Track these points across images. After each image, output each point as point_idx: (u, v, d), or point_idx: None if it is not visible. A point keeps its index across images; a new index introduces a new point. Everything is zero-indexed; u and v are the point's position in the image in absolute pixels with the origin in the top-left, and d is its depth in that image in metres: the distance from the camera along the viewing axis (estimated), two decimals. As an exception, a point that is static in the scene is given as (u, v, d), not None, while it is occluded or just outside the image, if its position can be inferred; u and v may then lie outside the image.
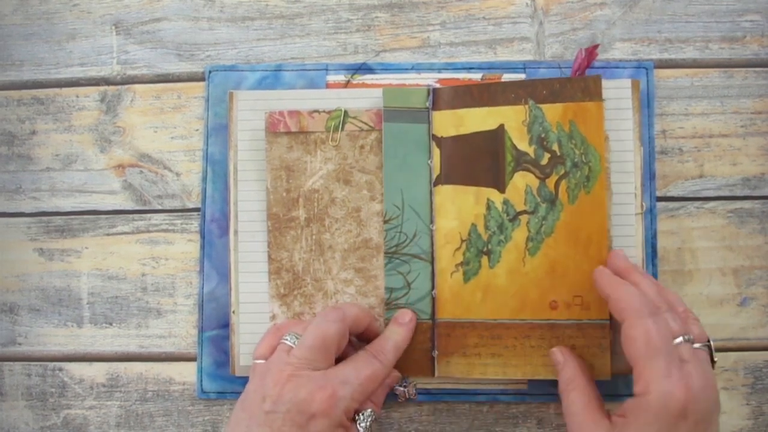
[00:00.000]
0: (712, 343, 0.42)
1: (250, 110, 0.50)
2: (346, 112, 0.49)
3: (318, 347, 0.43)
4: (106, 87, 0.53)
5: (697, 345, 0.40)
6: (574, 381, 0.43)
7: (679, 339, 0.39)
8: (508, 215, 0.47)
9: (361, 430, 0.43)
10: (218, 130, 0.51)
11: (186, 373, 0.51)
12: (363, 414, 0.43)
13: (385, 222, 0.48)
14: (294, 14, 0.53)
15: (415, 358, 0.48)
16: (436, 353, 0.48)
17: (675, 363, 0.38)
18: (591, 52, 0.48)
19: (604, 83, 0.48)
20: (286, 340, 0.44)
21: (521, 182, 0.47)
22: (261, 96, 0.50)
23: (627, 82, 0.48)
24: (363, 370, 0.43)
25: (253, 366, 0.45)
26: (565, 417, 0.42)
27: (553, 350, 0.46)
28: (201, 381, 0.50)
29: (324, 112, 0.49)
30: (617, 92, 0.48)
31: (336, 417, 0.41)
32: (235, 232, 0.49)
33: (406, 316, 0.47)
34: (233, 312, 0.49)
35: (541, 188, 0.47)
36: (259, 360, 0.45)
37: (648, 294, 0.41)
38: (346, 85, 0.51)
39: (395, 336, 0.46)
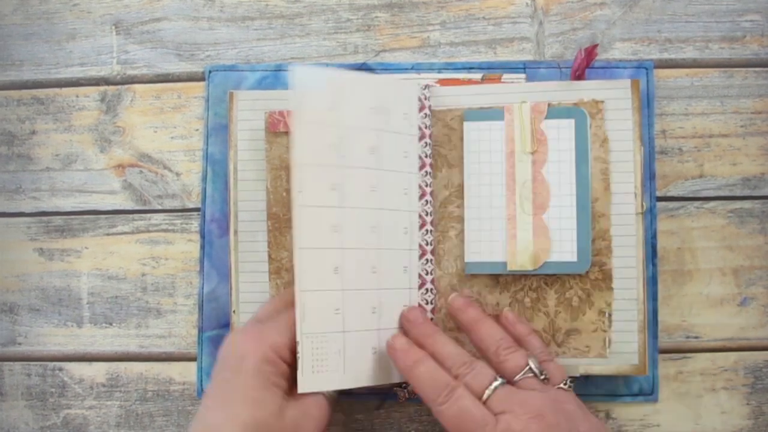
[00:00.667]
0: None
1: (250, 110, 0.50)
2: None
3: (262, 311, 0.45)
4: (106, 87, 0.53)
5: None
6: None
7: (492, 386, 0.40)
8: None
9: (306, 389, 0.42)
10: (218, 130, 0.51)
11: (186, 373, 0.51)
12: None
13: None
14: (294, 14, 0.53)
15: None
16: None
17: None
18: (590, 52, 0.48)
19: (604, 83, 0.48)
20: None
21: None
22: (261, 96, 0.50)
23: (626, 83, 0.48)
24: (292, 313, 0.42)
25: None
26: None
27: (394, 336, 0.44)
28: (201, 381, 0.50)
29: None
30: (616, 92, 0.48)
31: (262, 352, 0.40)
32: (235, 232, 0.49)
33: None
34: (234, 312, 0.49)
35: None
36: None
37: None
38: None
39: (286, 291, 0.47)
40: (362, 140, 0.45)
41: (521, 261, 0.47)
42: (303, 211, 0.43)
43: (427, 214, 0.48)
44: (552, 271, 0.47)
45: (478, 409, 0.38)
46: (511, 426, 0.37)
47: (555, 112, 0.48)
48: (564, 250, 0.47)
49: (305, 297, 0.42)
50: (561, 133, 0.47)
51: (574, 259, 0.46)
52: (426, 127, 0.49)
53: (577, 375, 0.47)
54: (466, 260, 0.47)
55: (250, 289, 0.49)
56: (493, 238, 0.47)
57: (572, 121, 0.47)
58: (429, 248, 0.48)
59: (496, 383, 0.39)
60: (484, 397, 0.39)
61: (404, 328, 0.45)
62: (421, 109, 0.48)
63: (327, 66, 0.51)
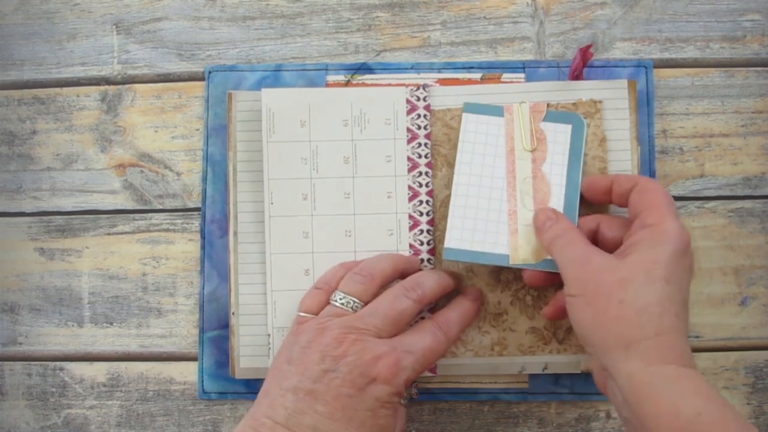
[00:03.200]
0: None
1: (249, 111, 0.50)
2: None
3: (391, 320, 0.42)
4: (106, 86, 0.53)
5: None
6: (573, 228, 0.43)
7: None
8: None
9: (402, 403, 0.43)
10: (218, 131, 0.51)
11: (187, 373, 0.51)
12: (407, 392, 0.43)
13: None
14: (295, 14, 0.53)
15: None
16: None
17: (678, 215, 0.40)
18: (585, 52, 0.48)
19: (601, 83, 0.49)
20: (337, 301, 0.43)
21: None
22: (260, 96, 0.50)
23: (623, 83, 0.49)
24: (427, 341, 0.43)
25: (298, 318, 0.44)
26: (559, 261, 0.42)
27: (542, 208, 0.46)
28: (202, 382, 0.50)
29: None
30: (614, 92, 0.49)
31: (396, 385, 0.40)
32: (235, 233, 0.49)
33: (474, 293, 0.47)
34: (233, 313, 0.49)
35: None
36: (305, 314, 0.44)
37: None
38: (346, 85, 0.51)
39: (463, 309, 0.46)
40: (335, 151, 0.49)
41: (523, 255, 0.47)
42: (273, 220, 0.48)
43: (421, 215, 0.48)
44: (551, 269, 0.46)
45: None
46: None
47: (553, 116, 0.48)
48: None
49: (276, 296, 0.48)
50: (557, 137, 0.47)
51: None
52: (420, 128, 0.49)
53: (578, 372, 0.48)
54: (445, 245, 0.46)
55: (249, 290, 0.49)
56: (489, 229, 0.47)
57: (569, 127, 0.47)
58: (426, 248, 0.48)
59: None
60: None
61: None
62: (412, 110, 0.49)
63: (327, 66, 0.51)
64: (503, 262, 0.46)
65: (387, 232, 0.48)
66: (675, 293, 0.37)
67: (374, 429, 0.40)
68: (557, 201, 0.46)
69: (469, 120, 0.48)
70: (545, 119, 0.47)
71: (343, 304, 0.43)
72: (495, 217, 0.47)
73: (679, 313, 0.37)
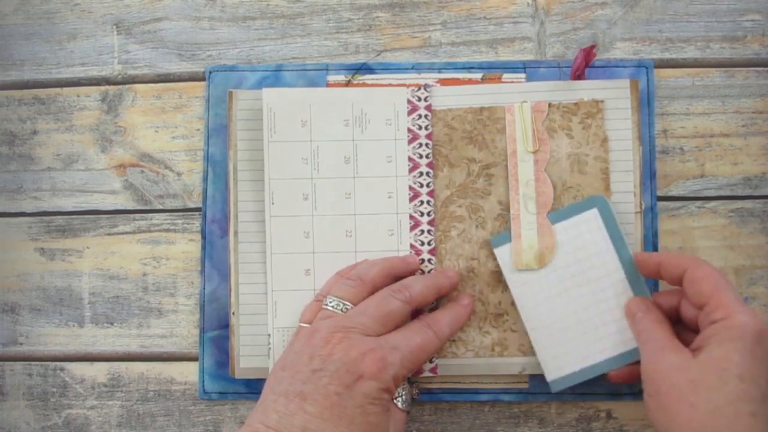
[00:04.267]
0: None
1: (250, 110, 0.50)
2: None
3: (379, 319, 0.43)
4: (107, 87, 0.53)
5: None
6: (660, 321, 0.43)
7: None
8: None
9: (399, 405, 0.43)
10: (219, 131, 0.51)
11: (187, 373, 0.51)
12: (398, 390, 0.43)
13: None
14: (295, 14, 0.53)
15: None
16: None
17: (739, 296, 0.40)
18: (588, 52, 0.48)
19: (603, 83, 0.48)
20: (328, 305, 0.44)
21: None
22: (260, 95, 0.50)
23: (625, 82, 0.49)
24: (415, 338, 0.43)
25: (298, 329, 0.45)
26: (641, 356, 0.42)
27: (634, 299, 0.45)
28: (203, 382, 0.50)
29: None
30: (616, 92, 0.48)
31: (384, 381, 0.40)
32: (235, 233, 0.49)
33: (465, 299, 0.47)
34: (233, 313, 0.49)
35: None
36: (304, 324, 0.45)
37: None
38: (347, 85, 0.51)
39: (453, 312, 0.46)
40: (336, 152, 0.49)
41: (526, 260, 0.47)
42: (274, 220, 0.48)
43: (422, 215, 0.48)
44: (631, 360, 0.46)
45: None
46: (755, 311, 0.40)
47: (572, 209, 0.47)
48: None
49: (276, 296, 0.48)
50: (590, 226, 0.47)
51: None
52: (421, 128, 0.49)
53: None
54: (548, 379, 0.47)
55: (249, 290, 0.49)
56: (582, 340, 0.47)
57: (595, 211, 0.47)
58: (427, 248, 0.48)
59: None
60: None
61: None
62: (413, 110, 0.49)
63: (327, 66, 0.51)
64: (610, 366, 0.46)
65: (388, 233, 0.48)
66: (751, 390, 0.36)
67: (364, 427, 0.40)
68: (622, 286, 0.46)
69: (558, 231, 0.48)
70: (568, 216, 0.47)
71: (333, 306, 0.44)
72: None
73: (755, 412, 0.36)
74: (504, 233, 0.48)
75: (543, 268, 0.47)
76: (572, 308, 0.46)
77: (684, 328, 0.43)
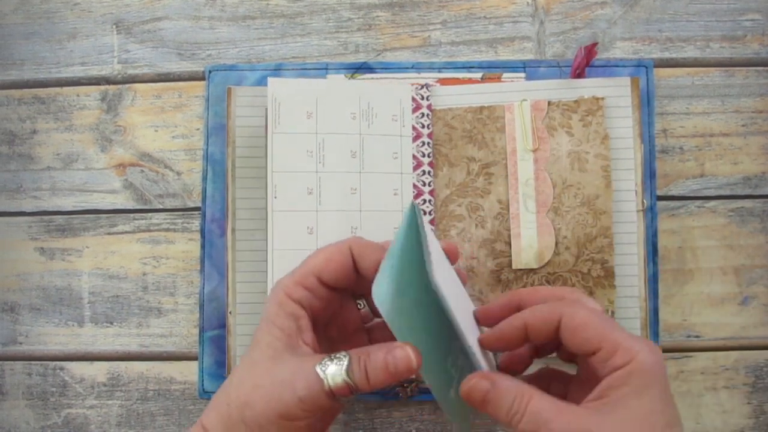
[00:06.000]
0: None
1: (249, 107, 0.50)
2: None
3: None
4: (106, 86, 0.53)
5: None
6: (525, 392, 0.34)
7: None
8: None
9: (324, 375, 0.35)
10: (218, 130, 0.51)
11: (187, 373, 0.51)
12: (335, 356, 0.36)
13: None
14: (295, 13, 0.53)
15: None
16: None
17: (626, 331, 0.35)
18: (590, 50, 0.48)
19: (604, 81, 0.48)
20: None
21: None
22: (259, 92, 0.50)
23: (626, 80, 0.49)
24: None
25: None
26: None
27: (470, 381, 0.35)
28: (202, 381, 0.50)
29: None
30: (616, 90, 0.49)
31: (276, 299, 0.37)
32: (233, 230, 0.49)
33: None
34: (230, 313, 0.49)
35: None
36: None
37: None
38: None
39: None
40: (342, 145, 0.48)
41: (526, 259, 0.47)
42: (277, 215, 0.47)
43: (424, 213, 0.48)
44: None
45: None
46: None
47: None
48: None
49: None
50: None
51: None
52: (424, 127, 0.49)
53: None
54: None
55: (247, 289, 0.49)
56: None
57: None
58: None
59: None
60: None
61: None
62: (417, 108, 0.49)
63: (327, 65, 0.51)
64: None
65: (393, 231, 0.48)
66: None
67: (265, 352, 0.37)
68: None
69: None
70: None
71: None
72: None
73: None
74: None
75: None
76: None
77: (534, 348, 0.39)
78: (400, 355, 0.35)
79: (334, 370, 0.35)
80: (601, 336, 0.34)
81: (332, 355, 0.36)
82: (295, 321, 0.38)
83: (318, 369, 0.35)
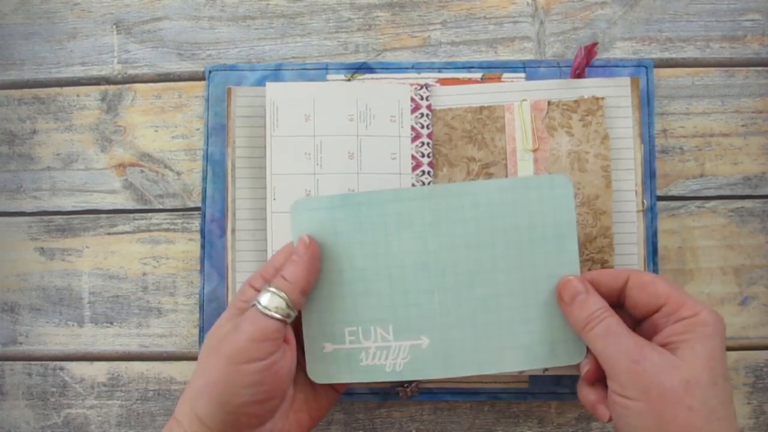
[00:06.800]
0: None
1: (249, 107, 0.50)
2: None
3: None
4: (106, 86, 0.53)
5: None
6: (609, 309, 0.39)
7: None
8: None
9: (260, 306, 0.39)
10: (218, 130, 0.51)
11: (187, 373, 0.51)
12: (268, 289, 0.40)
13: None
14: (295, 13, 0.53)
15: None
16: None
17: None
18: (590, 50, 0.48)
19: (604, 81, 0.48)
20: None
21: None
22: (259, 93, 0.50)
23: (626, 80, 0.49)
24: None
25: None
26: (601, 350, 0.38)
27: (568, 278, 0.41)
28: (202, 380, 0.50)
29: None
30: (616, 90, 0.48)
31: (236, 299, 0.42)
32: (233, 230, 0.49)
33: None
34: (230, 313, 0.49)
35: None
36: None
37: None
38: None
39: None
40: (340, 147, 0.48)
41: None
42: (276, 217, 0.48)
43: None
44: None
45: None
46: None
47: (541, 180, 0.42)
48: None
49: None
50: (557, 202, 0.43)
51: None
52: (423, 127, 0.49)
53: (578, 374, 0.47)
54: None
55: (248, 289, 0.49)
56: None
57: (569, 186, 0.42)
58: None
59: None
60: None
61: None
62: (416, 109, 0.49)
63: (327, 65, 0.51)
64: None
65: None
66: (729, 389, 0.36)
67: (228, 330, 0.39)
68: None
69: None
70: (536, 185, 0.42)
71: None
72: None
73: (734, 412, 0.36)
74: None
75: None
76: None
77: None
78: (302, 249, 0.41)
79: (265, 297, 0.39)
80: (670, 291, 0.38)
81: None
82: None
83: (253, 308, 0.39)
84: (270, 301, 0.39)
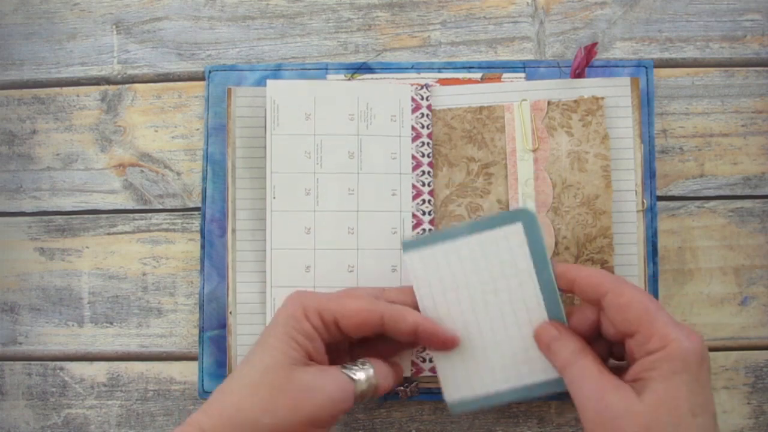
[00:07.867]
0: None
1: (249, 107, 0.50)
2: None
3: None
4: (106, 86, 0.53)
5: None
6: (583, 350, 0.39)
7: None
8: None
9: (355, 377, 0.40)
10: (218, 130, 0.51)
11: (187, 373, 0.51)
12: (359, 363, 0.41)
13: None
14: (295, 13, 0.53)
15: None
16: None
17: (671, 317, 0.37)
18: (590, 50, 0.48)
19: (604, 81, 0.48)
20: None
21: None
22: (259, 93, 0.50)
23: (626, 80, 0.49)
24: (343, 294, 0.43)
25: None
26: (574, 394, 0.38)
27: (542, 325, 0.41)
28: (202, 381, 0.50)
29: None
30: (616, 90, 0.49)
31: (292, 310, 0.40)
32: (233, 230, 0.49)
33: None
34: (230, 313, 0.49)
35: None
36: None
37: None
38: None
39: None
40: (340, 146, 0.48)
41: None
42: (275, 215, 0.48)
43: (424, 214, 0.48)
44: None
45: None
46: (689, 327, 0.37)
47: (493, 220, 0.42)
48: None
49: (275, 293, 0.48)
50: (510, 242, 0.42)
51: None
52: (423, 127, 0.49)
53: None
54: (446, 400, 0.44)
55: (247, 289, 0.49)
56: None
57: (519, 225, 0.42)
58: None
59: None
60: None
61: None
62: (417, 109, 0.49)
63: (327, 65, 0.51)
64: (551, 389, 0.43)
65: (390, 230, 0.48)
66: (705, 423, 0.34)
67: (282, 358, 0.39)
68: (538, 311, 0.42)
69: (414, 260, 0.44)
70: (490, 226, 0.42)
71: None
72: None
73: None
74: (418, 238, 0.44)
75: (454, 283, 0.43)
76: (479, 329, 0.43)
77: (604, 342, 0.41)
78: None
79: (361, 375, 0.40)
80: (642, 319, 0.37)
81: (348, 364, 0.41)
82: (311, 341, 0.40)
83: (347, 372, 0.40)
84: (361, 380, 0.40)
